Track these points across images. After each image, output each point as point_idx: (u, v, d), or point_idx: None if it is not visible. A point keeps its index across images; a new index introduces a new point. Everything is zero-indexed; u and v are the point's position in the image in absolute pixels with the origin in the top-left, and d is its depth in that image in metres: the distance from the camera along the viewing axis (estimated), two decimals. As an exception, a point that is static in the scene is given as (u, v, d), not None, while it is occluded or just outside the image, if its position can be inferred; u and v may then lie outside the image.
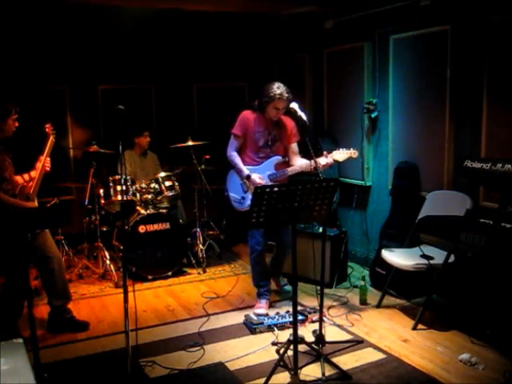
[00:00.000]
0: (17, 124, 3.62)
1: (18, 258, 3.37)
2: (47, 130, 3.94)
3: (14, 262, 3.43)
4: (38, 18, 5.50)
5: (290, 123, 4.10)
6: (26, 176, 3.78)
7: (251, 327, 3.79)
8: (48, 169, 3.81)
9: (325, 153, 3.82)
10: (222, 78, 6.61)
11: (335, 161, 3.82)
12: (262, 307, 4.08)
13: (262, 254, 4.11)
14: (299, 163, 4.02)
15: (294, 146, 4.16)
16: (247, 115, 4.08)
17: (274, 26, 6.07)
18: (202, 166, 5.55)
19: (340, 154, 3.81)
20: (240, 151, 4.14)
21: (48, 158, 3.82)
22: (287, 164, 4.10)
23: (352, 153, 3.80)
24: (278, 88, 3.88)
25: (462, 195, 4.00)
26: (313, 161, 3.61)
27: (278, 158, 4.08)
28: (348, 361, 3.31)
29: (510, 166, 3.24)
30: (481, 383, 3.05)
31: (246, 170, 4.02)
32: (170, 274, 5.06)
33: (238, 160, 4.07)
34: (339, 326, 3.86)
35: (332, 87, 5.58)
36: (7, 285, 3.57)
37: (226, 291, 4.66)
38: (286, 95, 3.87)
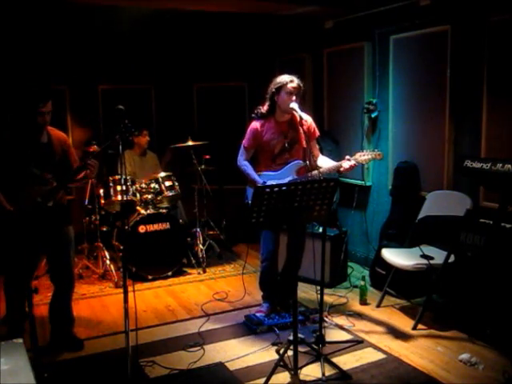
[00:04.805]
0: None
1: (20, 256, 3.37)
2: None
3: (15, 261, 3.42)
4: (38, 18, 5.50)
5: (306, 118, 3.75)
6: None
7: (251, 327, 3.79)
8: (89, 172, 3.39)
9: (347, 156, 3.64)
10: (221, 78, 6.61)
11: (359, 163, 3.64)
12: (262, 312, 4.02)
13: (272, 261, 3.96)
14: (326, 165, 3.76)
15: (315, 144, 3.94)
16: (255, 126, 3.85)
17: (274, 25, 6.07)
18: (202, 166, 5.56)
19: (364, 156, 3.60)
20: (254, 159, 3.94)
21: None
22: (308, 167, 3.80)
23: (376, 154, 3.59)
24: (286, 75, 3.75)
25: (462, 195, 4.00)
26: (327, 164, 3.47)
27: (299, 163, 3.82)
28: (348, 361, 3.32)
29: (509, 165, 3.25)
30: (481, 383, 3.06)
31: (259, 179, 3.82)
32: (170, 274, 5.06)
33: (250, 170, 3.85)
34: (339, 326, 3.86)
35: (332, 87, 5.58)
36: (6, 284, 3.56)
37: (227, 291, 4.67)
38: (297, 79, 3.73)
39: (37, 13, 5.42)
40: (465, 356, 3.28)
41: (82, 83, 6.11)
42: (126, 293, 2.94)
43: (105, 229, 5.35)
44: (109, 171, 5.33)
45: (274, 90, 3.76)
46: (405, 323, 3.89)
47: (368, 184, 5.21)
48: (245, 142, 3.92)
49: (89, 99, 6.18)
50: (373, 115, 5.00)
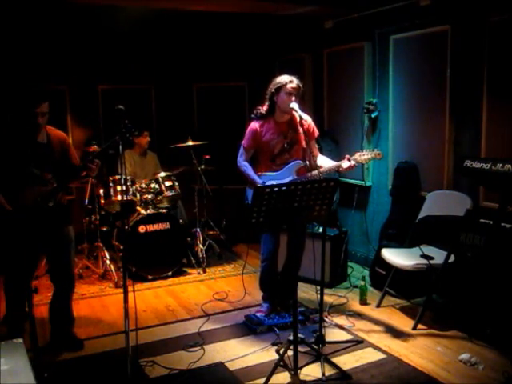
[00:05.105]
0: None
1: (20, 256, 3.37)
2: None
3: (15, 261, 3.42)
4: (38, 18, 5.50)
5: (306, 118, 3.74)
6: None
7: (251, 327, 3.79)
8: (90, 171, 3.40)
9: (347, 156, 3.63)
10: (221, 78, 6.61)
11: (359, 163, 3.63)
12: (262, 312, 4.02)
13: (272, 261, 3.97)
14: (326, 165, 3.75)
15: (314, 144, 3.92)
16: (255, 127, 3.83)
17: (274, 25, 6.07)
18: (202, 166, 5.56)
19: (364, 156, 3.59)
20: (254, 160, 3.93)
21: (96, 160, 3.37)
22: (308, 167, 3.80)
23: (376, 154, 3.56)
24: (285, 76, 3.74)
25: (462, 195, 4.00)
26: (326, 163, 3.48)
27: (298, 163, 3.81)
28: (348, 361, 3.32)
29: (509, 165, 3.25)
30: (481, 383, 3.06)
31: (259, 179, 3.79)
32: (170, 274, 5.06)
33: (249, 171, 3.83)
34: (339, 326, 3.86)
35: (332, 87, 5.58)
36: (6, 284, 3.56)
37: (227, 291, 4.67)
38: (296, 80, 3.72)
39: (37, 13, 5.42)
40: (465, 356, 3.28)
41: (82, 83, 6.11)
42: (125, 293, 2.94)
43: (105, 229, 5.35)
44: (109, 171, 5.33)
45: (273, 90, 3.76)
46: (405, 323, 3.89)
47: (368, 184, 5.21)
48: (244, 142, 3.91)
49: (89, 99, 6.18)
50: (373, 115, 5.00)
